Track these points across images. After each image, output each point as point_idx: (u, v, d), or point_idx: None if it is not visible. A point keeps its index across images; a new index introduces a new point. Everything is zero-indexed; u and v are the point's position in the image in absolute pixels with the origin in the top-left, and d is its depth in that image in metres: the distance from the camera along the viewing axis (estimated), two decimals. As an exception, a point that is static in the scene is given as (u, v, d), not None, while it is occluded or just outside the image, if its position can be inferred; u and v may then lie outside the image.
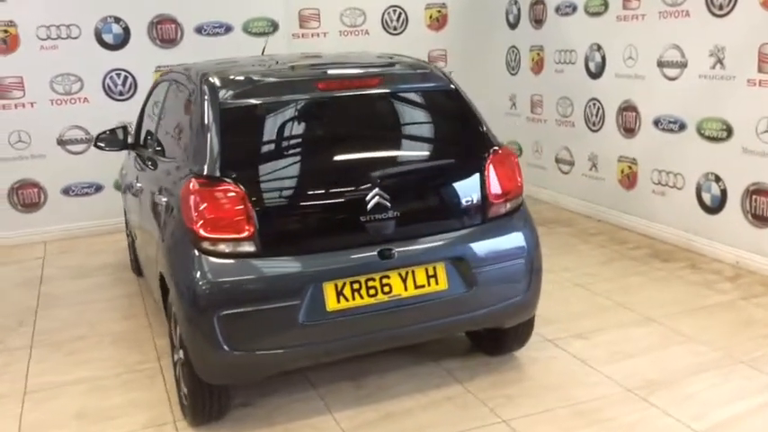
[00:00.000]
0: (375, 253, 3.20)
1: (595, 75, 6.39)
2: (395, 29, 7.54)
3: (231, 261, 3.10)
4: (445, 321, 3.42)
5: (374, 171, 3.32)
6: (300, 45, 7.00)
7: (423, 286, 3.28)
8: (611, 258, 5.47)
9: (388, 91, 3.59)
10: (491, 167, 3.46)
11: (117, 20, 6.53)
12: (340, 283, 3.16)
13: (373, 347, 3.43)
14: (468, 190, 3.42)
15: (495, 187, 3.45)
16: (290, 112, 3.43)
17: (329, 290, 3.15)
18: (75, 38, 6.43)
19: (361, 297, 3.18)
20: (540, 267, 3.58)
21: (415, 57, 4.07)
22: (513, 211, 3.51)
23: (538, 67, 7.22)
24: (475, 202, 3.41)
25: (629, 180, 6.18)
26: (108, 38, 6.54)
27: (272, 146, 3.42)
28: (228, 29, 6.84)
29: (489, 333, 3.78)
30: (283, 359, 3.21)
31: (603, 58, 6.27)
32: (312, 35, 7.28)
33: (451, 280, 3.32)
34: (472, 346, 3.99)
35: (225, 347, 3.05)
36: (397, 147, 3.66)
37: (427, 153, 3.71)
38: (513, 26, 7.60)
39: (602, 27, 6.27)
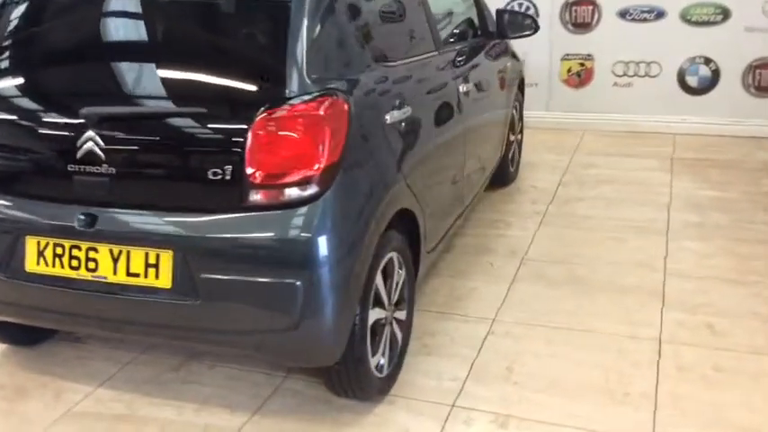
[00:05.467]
0: (79, 215, 2.37)
1: None
2: None
3: None
4: (169, 332, 2.45)
5: (99, 105, 2.39)
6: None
7: (137, 275, 2.34)
8: None
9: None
10: (256, 133, 2.22)
11: None
12: (43, 242, 2.42)
13: (86, 330, 2.67)
14: (222, 160, 2.24)
15: (260, 163, 2.22)
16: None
17: (31, 246, 2.43)
18: None
19: (62, 266, 2.40)
20: (343, 292, 2.27)
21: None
22: (300, 202, 2.25)
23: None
24: (227, 178, 2.24)
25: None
26: None
27: None
28: None
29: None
30: None
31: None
32: None
33: (180, 278, 2.32)
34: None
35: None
36: (149, 76, 2.51)
37: (189, 95, 2.44)
38: None
39: None
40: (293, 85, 2.26)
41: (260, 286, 2.25)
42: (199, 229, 2.29)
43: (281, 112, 2.22)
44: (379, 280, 2.52)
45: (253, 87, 2.35)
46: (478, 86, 3.77)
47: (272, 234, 2.23)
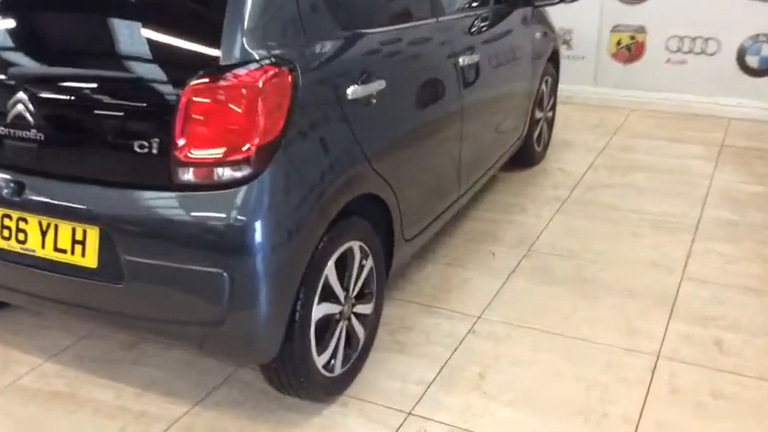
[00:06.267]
0: (8, 182, 2.19)
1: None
2: None
3: None
4: (95, 315, 2.27)
5: (33, 66, 2.21)
6: None
7: (64, 251, 2.16)
8: None
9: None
10: (184, 104, 1.97)
11: None
12: (-25, 209, 2.29)
13: (16, 302, 2.51)
14: (149, 132, 2.02)
15: (187, 138, 1.98)
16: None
17: (-37, 211, 2.32)
18: None
19: (-7, 235, 2.28)
20: (275, 285, 2.04)
21: None
22: (232, 183, 1.99)
23: None
24: (155, 152, 2.01)
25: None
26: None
27: None
28: None
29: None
30: None
31: None
32: None
33: (105, 259, 2.13)
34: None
35: None
36: (80, 37, 2.28)
37: (121, 57, 2.19)
38: None
39: None
40: (231, 52, 2.01)
41: (185, 275, 2.03)
42: (124, 206, 2.08)
43: (214, 81, 1.97)
44: (330, 271, 2.28)
45: (185, 52, 2.09)
46: (490, 59, 3.43)
47: (197, 218, 2.01)
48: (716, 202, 4.06)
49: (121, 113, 2.12)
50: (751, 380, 2.55)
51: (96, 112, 2.15)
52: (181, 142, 1.98)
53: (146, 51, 2.15)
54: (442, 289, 3.17)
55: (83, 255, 2.15)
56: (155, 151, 2.02)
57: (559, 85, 5.06)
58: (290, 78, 2.06)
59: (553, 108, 4.83)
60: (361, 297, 2.53)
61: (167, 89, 2.04)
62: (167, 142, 2.00)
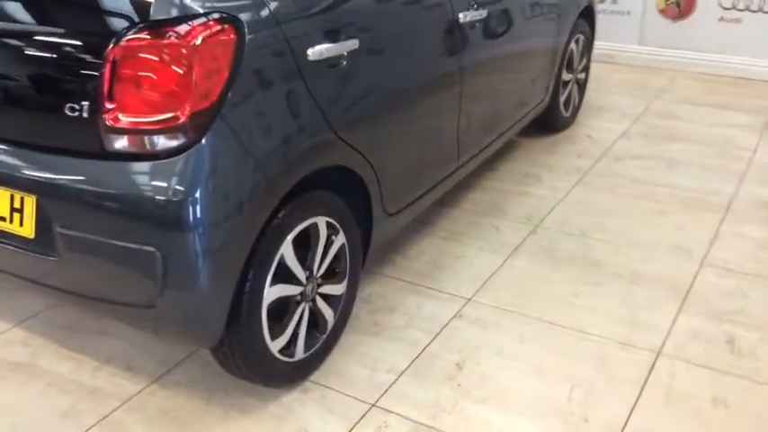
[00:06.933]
0: (-51, 143, 2.07)
1: None
2: None
3: None
4: (39, 288, 2.13)
5: None
6: None
7: (4, 219, 2.02)
8: None
9: None
10: (112, 63, 1.77)
11: None
12: None
13: None
14: (80, 93, 1.84)
15: (115, 101, 1.78)
16: None
17: None
18: None
19: (-63, 199, 2.15)
20: (213, 266, 1.85)
21: None
22: (165, 153, 1.79)
23: None
24: (85, 116, 1.83)
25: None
26: None
27: None
28: None
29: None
30: None
31: None
32: None
33: (41, 229, 1.98)
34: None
35: None
36: None
37: (52, 10, 1.99)
38: None
39: None
40: (165, 4, 1.80)
41: (117, 251, 1.87)
42: (57, 173, 1.92)
43: (145, 38, 1.77)
44: (287, 250, 2.09)
45: (116, 4, 1.89)
46: (501, 14, 3.13)
47: (128, 190, 1.83)
48: (755, 179, 3.70)
49: (51, 72, 1.94)
50: (761, 387, 2.28)
51: (26, 69, 1.97)
52: (109, 106, 1.80)
53: (79, 4, 1.95)
54: (434, 266, 2.96)
55: (21, 224, 2.01)
56: (85, 115, 1.84)
57: (601, 43, 4.71)
58: (233, 36, 1.84)
59: (586, 69, 4.48)
60: (331, 277, 2.35)
61: (96, 45, 1.84)
62: (97, 106, 1.82)
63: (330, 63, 2.13)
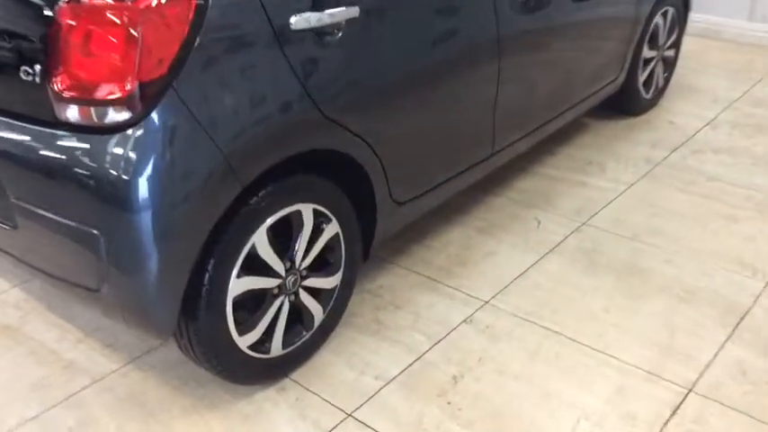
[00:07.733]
0: None
1: None
2: None
3: None
4: (10, 259, 2.02)
5: None
6: None
7: (-30, 185, 1.94)
8: None
9: None
10: (58, 25, 1.59)
11: None
12: None
13: None
14: (32, 55, 1.66)
15: (62, 67, 1.60)
16: None
17: None
18: None
19: None
20: (163, 251, 1.67)
21: None
22: (113, 127, 1.60)
23: None
24: (38, 81, 1.67)
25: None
26: None
27: None
28: None
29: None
30: None
31: None
32: None
33: (3, 198, 1.85)
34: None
35: None
36: None
37: None
38: None
39: None
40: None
41: (65, 230, 1.73)
42: (9, 140, 1.79)
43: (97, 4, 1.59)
44: (260, 239, 1.89)
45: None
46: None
47: (72, 165, 1.67)
48: None
49: (13, 33, 1.76)
50: (806, 446, 1.91)
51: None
52: (56, 72, 1.64)
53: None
54: (458, 260, 2.68)
55: (-15, 191, 1.92)
56: (37, 79, 1.69)
57: (703, 15, 4.19)
58: (194, 1, 1.63)
59: (675, 46, 3.99)
60: (320, 269, 2.13)
61: (46, 7, 1.68)
62: (44, 75, 1.66)
63: (320, 33, 1.88)
